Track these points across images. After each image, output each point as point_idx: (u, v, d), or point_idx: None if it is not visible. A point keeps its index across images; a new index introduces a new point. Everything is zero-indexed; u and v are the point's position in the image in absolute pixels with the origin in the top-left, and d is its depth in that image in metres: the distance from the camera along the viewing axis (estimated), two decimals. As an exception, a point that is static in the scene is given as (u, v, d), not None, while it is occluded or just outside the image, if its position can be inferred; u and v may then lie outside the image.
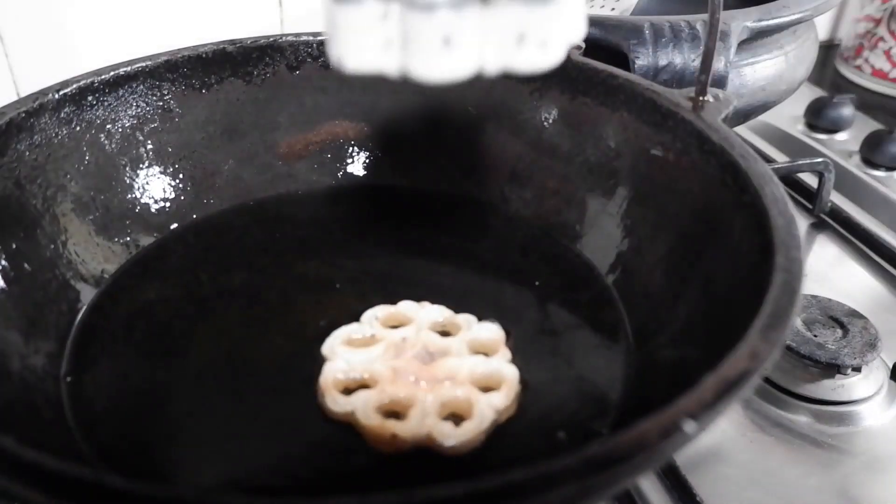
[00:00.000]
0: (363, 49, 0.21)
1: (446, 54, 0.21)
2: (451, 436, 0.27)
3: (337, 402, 0.29)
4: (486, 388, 0.30)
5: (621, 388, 0.31)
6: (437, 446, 0.27)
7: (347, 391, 0.30)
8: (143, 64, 0.40)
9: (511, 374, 0.30)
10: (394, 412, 0.29)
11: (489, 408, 0.29)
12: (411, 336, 0.32)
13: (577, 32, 0.24)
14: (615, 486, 0.19)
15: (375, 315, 0.33)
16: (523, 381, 0.31)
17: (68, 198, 0.36)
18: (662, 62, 0.45)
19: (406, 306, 0.34)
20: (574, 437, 0.29)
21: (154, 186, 0.41)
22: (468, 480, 0.17)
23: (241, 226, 0.41)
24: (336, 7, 0.21)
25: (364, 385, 0.30)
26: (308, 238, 0.41)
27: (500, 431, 0.29)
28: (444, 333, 0.33)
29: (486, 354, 0.32)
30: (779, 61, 0.50)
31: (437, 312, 0.33)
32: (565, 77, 0.41)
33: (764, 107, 0.51)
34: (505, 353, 0.32)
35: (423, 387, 0.29)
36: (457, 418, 0.28)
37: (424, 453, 0.28)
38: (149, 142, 0.41)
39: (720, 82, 0.45)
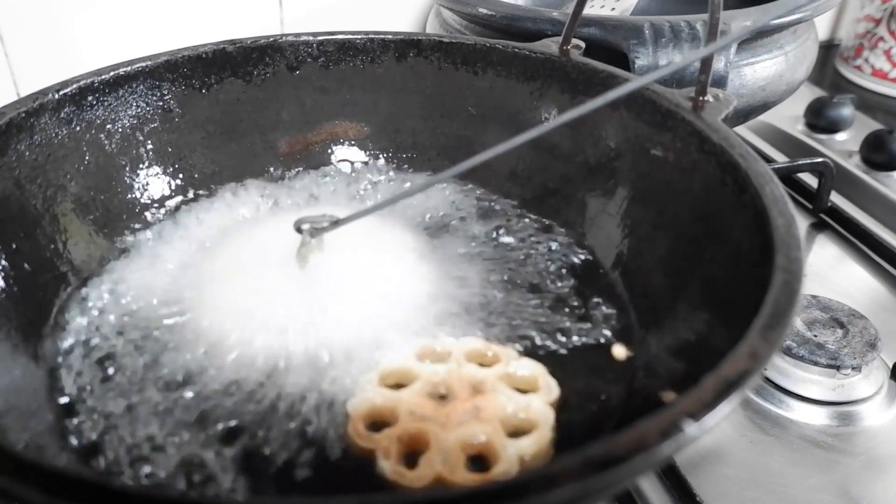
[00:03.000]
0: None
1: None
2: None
3: (360, 435, 0.27)
4: (518, 431, 0.28)
5: (622, 387, 0.31)
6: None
7: (374, 424, 0.28)
8: (143, 64, 0.40)
9: (545, 418, 0.28)
10: (414, 449, 0.27)
11: (516, 455, 0.27)
12: (448, 373, 0.30)
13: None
14: (615, 486, 0.19)
15: (413, 352, 0.31)
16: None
17: (68, 198, 0.36)
18: (662, 62, 0.45)
19: (444, 342, 0.32)
20: (576, 436, 0.29)
21: (154, 186, 0.41)
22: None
23: (241, 226, 0.41)
24: None
25: (389, 421, 0.28)
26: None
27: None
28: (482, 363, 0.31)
29: (524, 392, 0.30)
30: (779, 61, 0.50)
31: (473, 343, 0.32)
32: (565, 77, 0.41)
33: (764, 107, 0.51)
34: (548, 390, 0.30)
35: (453, 424, 0.28)
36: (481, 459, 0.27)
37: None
38: (149, 142, 0.41)
39: (720, 82, 0.45)
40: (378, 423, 0.28)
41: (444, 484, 0.26)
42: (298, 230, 0.33)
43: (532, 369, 0.31)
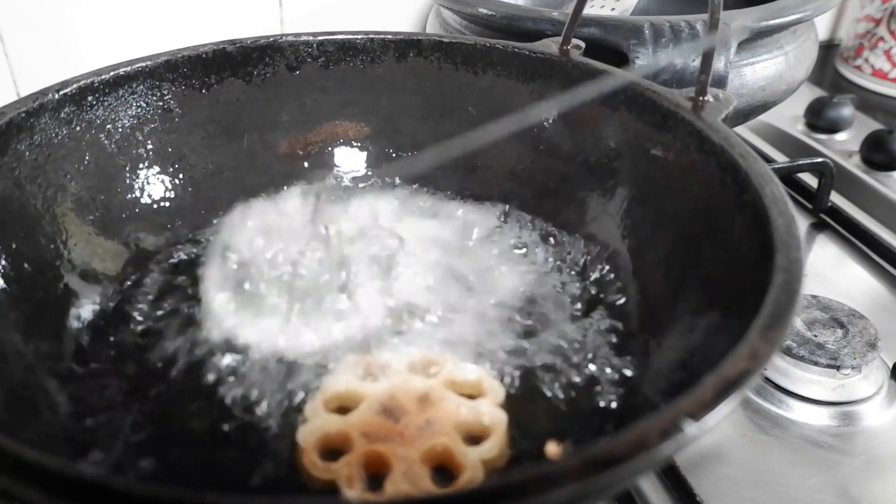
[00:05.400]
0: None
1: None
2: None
3: (317, 467, 0.26)
4: (473, 437, 0.28)
5: (622, 387, 0.31)
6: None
7: (329, 452, 0.27)
8: (143, 64, 0.40)
9: (499, 421, 0.28)
10: (375, 472, 0.27)
11: (478, 461, 0.27)
12: (393, 388, 0.29)
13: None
14: (615, 486, 0.19)
15: (351, 366, 0.31)
16: (523, 385, 0.30)
17: (68, 198, 0.36)
18: (662, 62, 0.45)
19: (382, 357, 0.31)
20: (575, 438, 0.29)
21: (154, 186, 0.41)
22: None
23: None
24: None
25: (343, 448, 0.28)
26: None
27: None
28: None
29: (471, 397, 0.30)
30: (779, 61, 0.50)
31: (411, 354, 0.31)
32: (565, 77, 0.41)
33: (764, 107, 0.51)
34: (494, 393, 0.30)
35: (407, 442, 0.27)
36: (445, 469, 0.27)
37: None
38: (149, 142, 0.41)
39: (720, 82, 0.45)
40: (332, 450, 0.27)
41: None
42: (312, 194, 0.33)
43: (475, 373, 0.30)
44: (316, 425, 0.28)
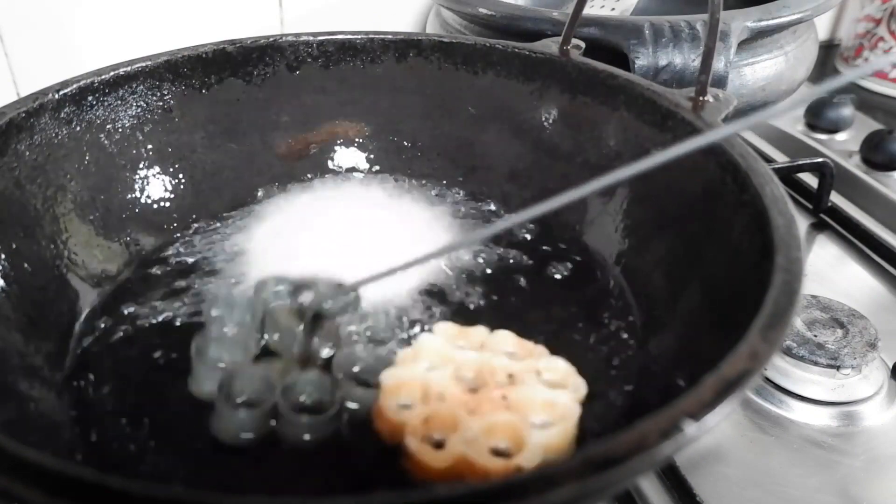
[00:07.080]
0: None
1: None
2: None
3: (391, 409, 0.28)
4: (544, 423, 0.28)
5: (621, 387, 0.31)
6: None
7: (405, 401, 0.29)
8: (143, 64, 0.40)
9: (571, 413, 0.28)
10: (439, 431, 0.28)
11: (540, 445, 0.27)
12: (481, 362, 0.30)
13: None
14: (615, 486, 0.19)
15: (450, 332, 0.32)
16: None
17: (68, 198, 0.36)
18: (662, 62, 0.45)
19: (480, 332, 0.32)
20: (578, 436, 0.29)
21: (154, 186, 0.41)
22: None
23: (241, 226, 0.41)
24: None
25: (420, 400, 0.29)
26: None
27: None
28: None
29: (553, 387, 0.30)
30: (779, 61, 0.50)
31: (507, 337, 0.32)
32: (565, 77, 0.41)
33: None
34: (576, 388, 0.30)
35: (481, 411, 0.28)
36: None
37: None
38: (149, 142, 0.41)
39: (720, 82, 0.45)
40: (409, 400, 0.29)
41: (468, 466, 0.26)
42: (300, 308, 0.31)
43: (563, 368, 0.31)
44: (401, 371, 0.29)
